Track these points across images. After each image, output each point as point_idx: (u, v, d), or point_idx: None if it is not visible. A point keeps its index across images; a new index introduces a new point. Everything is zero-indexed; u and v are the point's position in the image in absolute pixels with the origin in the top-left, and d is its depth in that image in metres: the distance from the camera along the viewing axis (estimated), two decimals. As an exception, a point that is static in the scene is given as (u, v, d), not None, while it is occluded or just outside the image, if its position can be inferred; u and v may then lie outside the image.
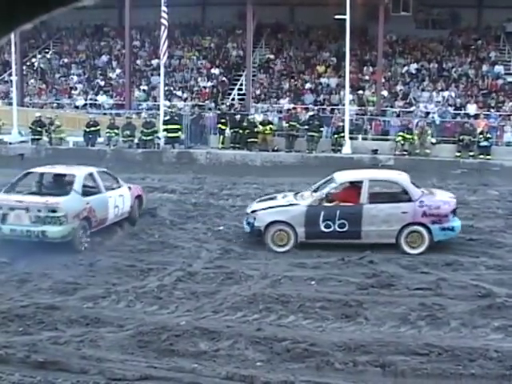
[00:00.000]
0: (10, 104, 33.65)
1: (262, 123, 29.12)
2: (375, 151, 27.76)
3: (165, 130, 29.29)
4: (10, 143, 31.39)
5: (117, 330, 9.80)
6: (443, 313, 10.40)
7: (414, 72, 34.34)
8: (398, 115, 31.10)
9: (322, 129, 29.13)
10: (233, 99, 34.54)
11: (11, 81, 35.20)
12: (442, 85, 32.86)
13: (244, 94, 33.80)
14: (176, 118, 29.78)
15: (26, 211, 13.78)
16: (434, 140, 28.17)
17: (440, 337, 9.51)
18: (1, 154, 30.08)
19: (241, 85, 35.34)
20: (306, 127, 29.02)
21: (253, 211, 14.81)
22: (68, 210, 13.88)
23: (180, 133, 29.36)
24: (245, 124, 29.22)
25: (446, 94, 32.15)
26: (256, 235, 14.66)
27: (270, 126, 29.17)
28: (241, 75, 35.82)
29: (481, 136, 27.49)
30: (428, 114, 30.55)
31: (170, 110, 31.09)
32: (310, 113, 30.58)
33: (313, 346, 9.11)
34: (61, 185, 15.29)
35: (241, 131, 29.25)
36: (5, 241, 13.90)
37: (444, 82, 33.07)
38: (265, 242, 14.33)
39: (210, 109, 33.10)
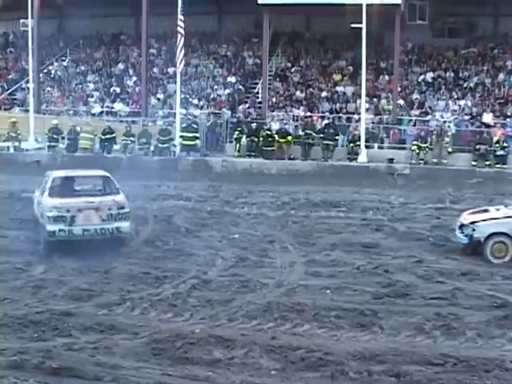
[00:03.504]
0: (27, 111, 33.86)
1: (280, 135, 29.07)
2: (391, 160, 27.70)
3: (181, 137, 29.40)
4: (27, 150, 31.57)
5: (131, 337, 9.79)
6: (459, 323, 10.31)
7: (430, 81, 34.25)
8: (414, 124, 31.02)
9: (337, 137, 29.13)
10: (248, 107, 34.56)
11: (28, 88, 35.42)
12: (458, 94, 32.78)
13: (260, 102, 33.84)
14: (194, 125, 29.86)
15: (95, 211, 14.20)
16: (450, 149, 28.08)
17: (455, 347, 9.43)
18: (17, 160, 30.25)
19: (257, 93, 35.38)
20: (322, 135, 29.03)
21: (472, 222, 14.51)
22: (129, 206, 14.79)
23: (197, 141, 29.44)
24: (261, 133, 29.26)
25: (462, 102, 32.05)
26: (472, 247, 14.46)
27: (289, 137, 29.22)
28: (257, 83, 35.86)
29: (497, 145, 27.40)
30: (444, 122, 30.43)
31: (187, 117, 31.14)
32: (326, 121, 30.60)
33: (327, 354, 9.06)
34: (97, 185, 15.85)
35: (257, 139, 29.30)
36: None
37: (460, 91, 32.96)
38: (483, 253, 14.13)
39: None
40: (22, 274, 13.13)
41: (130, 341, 9.65)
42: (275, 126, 30.23)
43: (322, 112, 32.73)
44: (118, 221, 14.39)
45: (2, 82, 40.82)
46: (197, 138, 29.43)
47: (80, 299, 11.61)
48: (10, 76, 41.13)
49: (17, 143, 31.62)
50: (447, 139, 28.19)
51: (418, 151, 27.72)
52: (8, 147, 31.71)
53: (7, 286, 12.47)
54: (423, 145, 27.77)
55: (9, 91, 39.78)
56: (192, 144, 29.32)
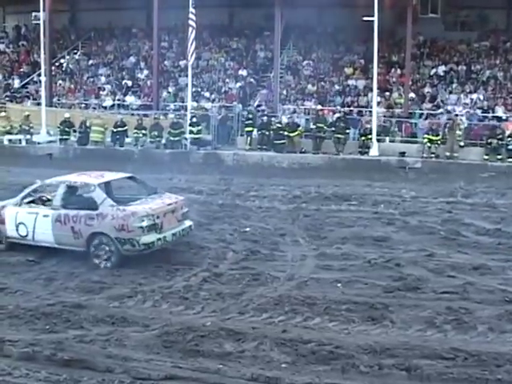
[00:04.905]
0: (39, 104, 33.97)
1: (289, 128, 29.04)
2: (403, 154, 27.62)
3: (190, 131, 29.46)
4: (39, 143, 31.69)
5: (142, 330, 9.83)
6: (470, 317, 10.30)
7: (442, 74, 34.10)
8: (426, 118, 30.92)
9: (347, 131, 29.06)
10: (259, 104, 34.54)
11: (40, 81, 35.52)
12: (471, 87, 32.60)
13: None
14: (194, 118, 29.81)
15: (172, 213, 13.68)
16: (462, 143, 27.98)
17: (466, 341, 9.42)
18: (29, 153, 30.37)
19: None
20: (333, 129, 29.00)
21: None
22: None
23: (201, 134, 29.41)
24: (272, 127, 29.25)
25: (474, 96, 31.89)
26: None
27: (299, 129, 29.21)
28: (268, 77, 35.82)
29: (509, 139, 27.25)
30: (456, 116, 30.31)
31: (191, 111, 31.11)
32: (337, 114, 30.55)
33: (338, 348, 9.07)
34: (134, 188, 15.20)
35: (268, 133, 29.30)
36: None
37: (472, 85, 32.81)
38: None
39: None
40: (35, 267, 13.23)
41: (141, 333, 9.70)
42: (285, 120, 30.17)
43: (334, 105, 32.65)
44: (185, 220, 14.16)
45: (14, 75, 40.96)
46: (199, 131, 29.42)
47: (91, 291, 11.68)
48: (22, 69, 41.27)
49: (29, 136, 31.75)
50: (459, 132, 28.07)
51: (429, 145, 27.62)
52: (20, 140, 31.84)
53: (19, 278, 12.57)
54: (435, 138, 27.66)
55: (21, 84, 39.91)
56: (197, 138, 29.33)
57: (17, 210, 14.08)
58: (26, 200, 14.36)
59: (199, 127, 29.64)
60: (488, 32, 36.59)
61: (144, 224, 12.89)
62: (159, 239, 13.10)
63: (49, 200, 14.33)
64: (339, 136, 28.62)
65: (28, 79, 40.10)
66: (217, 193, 21.21)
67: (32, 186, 14.70)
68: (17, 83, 40.04)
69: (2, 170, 25.42)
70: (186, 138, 29.51)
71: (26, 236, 13.91)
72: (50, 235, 13.56)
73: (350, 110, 31.98)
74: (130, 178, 14.88)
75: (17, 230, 13.98)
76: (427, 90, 32.96)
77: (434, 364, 8.60)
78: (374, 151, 28.07)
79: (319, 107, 31.21)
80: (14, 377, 8.31)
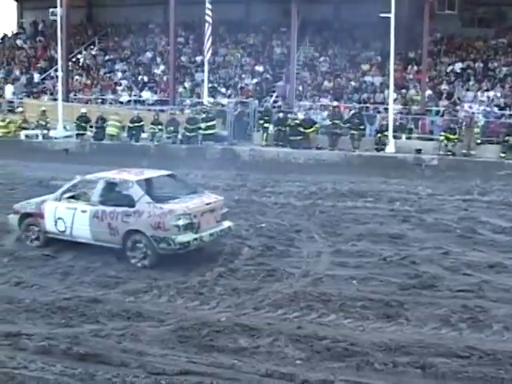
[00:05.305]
0: (56, 99, 34.11)
1: (305, 125, 28.99)
2: (419, 151, 27.53)
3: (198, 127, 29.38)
4: (55, 138, 31.84)
5: (158, 325, 9.87)
6: (485, 315, 10.26)
7: (458, 71, 33.93)
8: (442, 115, 30.79)
9: (361, 127, 28.98)
10: (277, 96, 34.54)
11: (57, 76, 35.70)
12: (488, 84, 32.42)
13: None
14: (204, 114, 29.69)
15: (211, 212, 13.43)
16: (478, 140, 27.84)
17: (482, 340, 9.39)
18: (46, 148, 30.51)
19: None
20: (348, 125, 28.95)
21: None
22: None
23: (213, 130, 29.32)
24: (288, 122, 29.22)
25: (491, 93, 31.69)
26: None
27: (316, 126, 29.19)
28: (284, 72, 35.78)
29: (526, 136, 27.10)
30: (473, 113, 30.15)
31: (202, 107, 31.05)
32: (352, 111, 30.50)
33: (353, 345, 9.07)
34: (173, 186, 14.86)
35: (284, 128, 29.28)
36: None
37: (489, 82, 32.62)
38: None
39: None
40: (51, 261, 13.31)
41: (156, 328, 9.73)
42: (301, 116, 30.13)
43: (351, 101, 32.56)
44: (225, 220, 13.92)
45: (31, 70, 41.16)
46: (211, 126, 29.37)
47: (107, 286, 11.74)
48: (39, 64, 41.45)
49: (45, 131, 31.91)
50: (477, 130, 27.93)
51: (446, 142, 27.49)
52: (37, 135, 32.00)
53: (36, 272, 12.64)
54: (452, 136, 27.52)
55: (38, 79, 40.11)
56: (208, 133, 29.26)
57: (56, 205, 14.04)
58: (66, 195, 14.33)
59: (208, 123, 29.41)
60: (505, 29, 36.33)
61: (180, 223, 12.68)
62: (195, 239, 12.85)
63: (88, 196, 14.25)
64: (354, 132, 28.58)
65: (45, 74, 40.29)
66: (233, 188, 21.22)
67: (71, 182, 14.65)
68: (36, 77, 40.26)
69: (20, 165, 25.59)
70: (201, 134, 29.45)
71: (65, 231, 13.87)
72: (88, 231, 13.49)
73: (367, 107, 31.90)
74: (169, 175, 14.72)
75: (55, 225, 13.94)
76: (444, 87, 32.80)
77: (449, 362, 8.58)
78: (390, 148, 27.99)
79: (335, 103, 31.13)
80: (30, 370, 8.36)
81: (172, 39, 34.31)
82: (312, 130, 28.97)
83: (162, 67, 38.53)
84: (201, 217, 13.08)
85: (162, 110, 32.50)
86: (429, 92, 31.86)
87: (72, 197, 14.38)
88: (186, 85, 36.26)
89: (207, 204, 13.49)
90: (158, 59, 39.72)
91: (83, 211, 13.57)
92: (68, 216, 13.77)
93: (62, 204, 14.04)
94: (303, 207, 18.56)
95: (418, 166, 26.41)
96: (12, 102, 36.95)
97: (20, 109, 34.29)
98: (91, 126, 31.33)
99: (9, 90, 38.61)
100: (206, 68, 31.95)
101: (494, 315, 10.29)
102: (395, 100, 30.63)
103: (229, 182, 22.39)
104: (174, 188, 14.66)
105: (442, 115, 30.64)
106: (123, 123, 30.61)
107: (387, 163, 26.31)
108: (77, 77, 39.01)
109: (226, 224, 13.91)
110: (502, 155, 27.03)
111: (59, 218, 13.89)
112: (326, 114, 31.04)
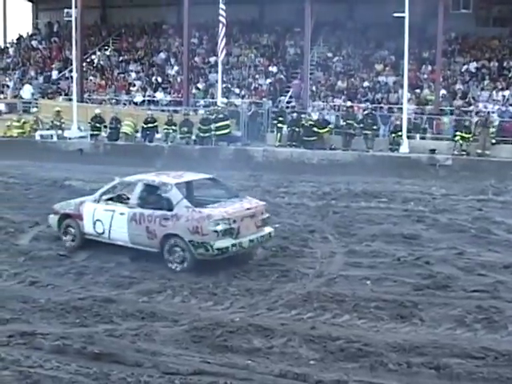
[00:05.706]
0: (70, 100, 34.25)
1: (319, 125, 28.94)
2: (433, 151, 27.43)
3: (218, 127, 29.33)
4: (70, 138, 31.96)
5: (171, 325, 9.88)
6: (500, 316, 10.21)
7: (473, 71, 33.79)
8: (457, 115, 30.65)
9: (374, 127, 28.92)
10: (290, 97, 34.52)
11: (71, 77, 35.83)
12: (502, 84, 32.25)
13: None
14: (214, 115, 29.64)
15: (251, 218, 13.06)
16: (493, 140, 27.71)
17: (497, 340, 9.34)
18: (61, 148, 30.64)
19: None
20: (361, 125, 28.91)
21: None
22: None
23: (225, 130, 29.25)
24: (302, 123, 29.19)
25: (506, 93, 31.55)
26: None
27: (329, 126, 29.18)
28: (298, 73, 35.77)
29: (541, 136, 26.96)
30: (488, 113, 30.02)
31: (216, 107, 31.02)
32: (366, 111, 30.44)
33: (367, 345, 9.04)
34: (214, 190, 14.58)
35: (297, 129, 29.26)
36: None
37: (504, 81, 32.46)
38: None
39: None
40: (65, 261, 13.36)
41: (170, 328, 9.75)
42: (315, 117, 30.10)
43: (365, 101, 32.48)
44: (266, 226, 13.48)
45: (46, 70, 41.35)
46: (225, 126, 29.29)
47: (121, 286, 11.76)
48: (53, 65, 41.64)
49: (60, 132, 32.03)
50: (492, 129, 27.81)
51: (461, 142, 27.38)
52: (51, 135, 32.13)
53: (50, 272, 12.70)
54: (467, 135, 27.40)
55: (53, 80, 40.30)
56: (220, 134, 29.20)
57: (95, 207, 13.94)
58: (105, 197, 14.20)
59: (218, 123, 29.27)
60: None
61: (219, 228, 12.38)
62: (234, 245, 12.53)
63: (127, 198, 14.14)
64: (367, 132, 28.54)
65: (60, 75, 40.47)
66: (246, 189, 21.14)
67: (111, 183, 14.50)
68: (54, 75, 40.50)
69: (35, 166, 25.73)
70: (214, 135, 29.42)
71: (103, 233, 13.77)
72: (126, 234, 13.35)
73: (381, 107, 31.83)
74: (210, 179, 14.47)
75: (94, 226, 13.84)
76: (458, 86, 32.67)
77: (464, 363, 8.54)
78: (404, 148, 27.90)
79: (349, 104, 31.08)
80: (45, 369, 8.38)
81: (186, 40, 34.35)
82: (326, 130, 28.97)
83: (175, 68, 38.62)
84: (240, 222, 12.75)
85: (176, 111, 32.59)
86: (443, 92, 31.76)
87: (111, 198, 14.23)
88: (200, 85, 36.32)
89: (247, 209, 13.17)
90: (172, 60, 39.82)
91: (121, 213, 13.45)
92: (106, 218, 13.65)
93: (101, 206, 13.93)
94: (317, 208, 18.55)
95: (432, 166, 26.31)
96: (29, 102, 37.10)
97: (34, 109, 34.46)
98: (105, 127, 31.42)
99: (27, 89, 38.83)
100: (219, 68, 31.98)
101: (509, 316, 10.24)
102: (409, 100, 30.52)
103: (242, 182, 22.37)
104: (215, 192, 14.39)
105: (457, 115, 30.48)
106: (137, 129, 30.57)
107: (401, 163, 26.23)
108: (91, 77, 39.20)
109: (267, 230, 13.52)
110: (517, 155, 26.90)
111: (98, 220, 13.79)
112: (334, 116, 31.06)
